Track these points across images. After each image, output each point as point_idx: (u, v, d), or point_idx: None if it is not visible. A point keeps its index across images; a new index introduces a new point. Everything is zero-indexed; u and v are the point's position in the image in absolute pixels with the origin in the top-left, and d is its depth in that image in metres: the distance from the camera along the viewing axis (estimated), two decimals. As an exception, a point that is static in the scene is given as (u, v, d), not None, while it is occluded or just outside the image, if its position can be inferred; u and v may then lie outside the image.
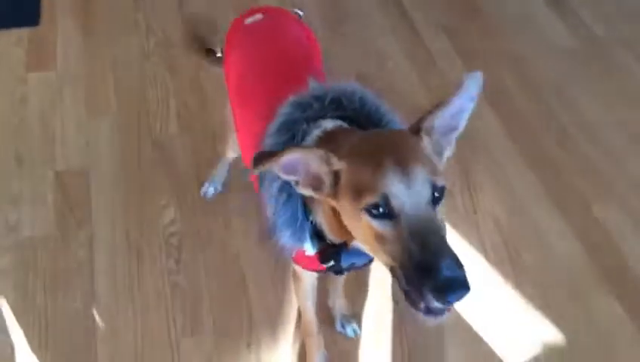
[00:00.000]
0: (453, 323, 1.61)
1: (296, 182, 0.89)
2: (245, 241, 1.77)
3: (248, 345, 1.57)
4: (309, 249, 1.03)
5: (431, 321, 0.81)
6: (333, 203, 0.90)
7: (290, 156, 0.84)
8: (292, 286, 1.43)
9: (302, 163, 0.86)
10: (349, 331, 1.59)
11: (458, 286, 0.76)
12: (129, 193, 1.90)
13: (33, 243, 1.77)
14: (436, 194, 0.83)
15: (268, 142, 1.01)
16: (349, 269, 1.10)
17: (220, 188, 1.90)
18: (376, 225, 0.82)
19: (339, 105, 1.03)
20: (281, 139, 1.00)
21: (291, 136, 1.00)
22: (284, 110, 1.03)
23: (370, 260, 1.05)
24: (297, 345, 1.58)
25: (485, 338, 1.59)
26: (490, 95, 2.19)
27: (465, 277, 0.77)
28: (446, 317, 0.81)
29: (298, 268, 1.23)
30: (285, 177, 0.89)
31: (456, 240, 1.79)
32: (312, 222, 1.01)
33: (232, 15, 1.73)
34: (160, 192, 1.90)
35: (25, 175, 1.95)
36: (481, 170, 1.98)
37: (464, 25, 2.52)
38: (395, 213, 0.81)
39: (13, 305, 1.65)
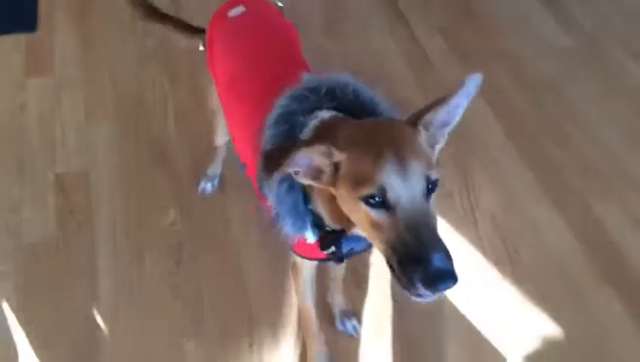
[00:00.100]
0: (453, 321, 1.63)
1: (296, 173, 0.92)
2: (246, 241, 1.78)
3: (250, 346, 1.58)
4: (310, 237, 1.06)
5: (420, 302, 0.86)
6: (332, 190, 0.93)
7: (298, 157, 0.88)
8: (292, 285, 1.43)
9: (306, 158, 0.89)
10: (349, 328, 1.60)
11: (447, 277, 0.81)
12: (129, 196, 1.92)
13: (35, 246, 1.78)
14: (430, 187, 0.87)
15: (267, 134, 1.04)
16: (348, 255, 1.13)
17: (217, 183, 1.91)
18: (373, 213, 0.86)
19: (334, 97, 1.06)
20: (279, 131, 1.02)
21: (289, 128, 1.03)
22: (281, 102, 1.05)
23: (369, 245, 1.08)
24: (299, 345, 1.59)
25: (485, 336, 1.60)
26: (488, 95, 2.20)
27: (453, 268, 0.82)
28: (434, 299, 0.85)
29: (298, 259, 1.25)
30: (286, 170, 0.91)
31: (455, 239, 1.81)
32: (311, 210, 1.04)
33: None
34: (160, 194, 1.92)
35: (25, 179, 1.96)
36: (480, 170, 2.00)
37: (460, 25, 2.54)
38: (391, 205, 0.85)
39: (16, 309, 1.65)
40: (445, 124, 0.95)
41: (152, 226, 1.83)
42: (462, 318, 1.63)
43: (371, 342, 1.60)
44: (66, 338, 1.60)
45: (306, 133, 1.03)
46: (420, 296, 0.84)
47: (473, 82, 0.90)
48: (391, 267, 0.87)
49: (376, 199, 0.85)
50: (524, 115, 2.19)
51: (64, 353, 1.58)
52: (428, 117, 0.92)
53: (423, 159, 0.87)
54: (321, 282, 1.60)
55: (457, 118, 0.95)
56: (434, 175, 0.87)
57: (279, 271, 1.70)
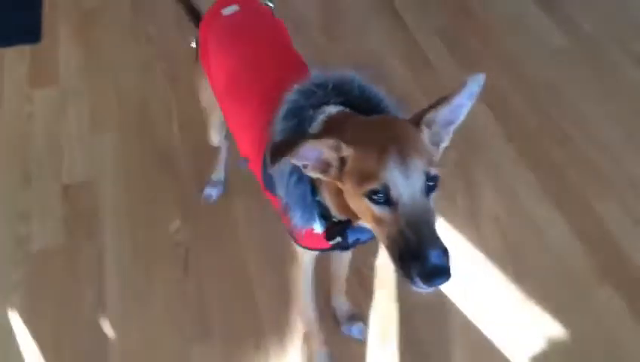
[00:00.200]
0: (458, 323, 1.64)
1: (305, 166, 0.95)
2: (251, 246, 1.81)
3: (257, 350, 1.60)
4: (317, 227, 1.10)
5: (420, 292, 0.89)
6: (339, 184, 0.97)
7: (306, 147, 0.91)
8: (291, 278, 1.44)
9: (314, 151, 0.93)
10: (355, 332, 1.61)
11: (442, 273, 0.85)
12: (135, 203, 1.94)
13: (43, 255, 1.81)
14: (430, 183, 0.90)
15: (276, 128, 1.06)
16: (354, 245, 1.16)
17: (222, 188, 1.94)
18: (376, 209, 0.90)
19: (340, 92, 1.09)
20: (289, 125, 1.05)
21: (298, 122, 1.06)
22: (290, 97, 1.08)
23: (374, 235, 1.10)
24: (305, 349, 1.61)
25: (489, 337, 1.62)
26: (487, 96, 2.21)
27: (449, 265, 0.86)
28: (432, 290, 0.89)
29: (299, 249, 1.27)
30: (295, 162, 0.94)
31: (457, 240, 1.82)
32: (318, 202, 1.07)
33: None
34: (166, 201, 1.94)
35: (33, 189, 1.99)
36: (481, 171, 2.01)
37: (458, 27, 2.56)
38: (393, 201, 0.89)
39: (26, 317, 1.68)
40: (449, 123, 0.98)
41: (158, 233, 1.86)
42: (466, 320, 1.65)
43: (377, 345, 1.61)
44: (74, 344, 1.63)
45: (314, 127, 1.06)
46: (418, 287, 0.88)
47: (476, 82, 0.93)
48: (393, 258, 0.91)
49: (380, 195, 0.89)
50: (524, 115, 2.20)
51: (72, 359, 1.60)
52: (430, 115, 0.95)
53: (424, 156, 0.90)
54: (325, 285, 1.63)
55: (462, 118, 0.98)
56: (434, 171, 0.90)
57: (285, 275, 1.71)
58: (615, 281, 1.72)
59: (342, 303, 1.63)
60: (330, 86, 1.08)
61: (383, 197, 0.89)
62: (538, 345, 1.61)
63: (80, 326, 1.66)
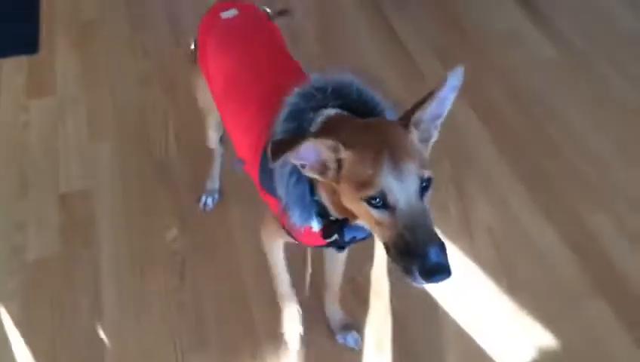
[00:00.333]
0: (452, 332, 1.66)
1: (303, 166, 0.98)
2: (248, 254, 1.82)
3: (253, 358, 1.61)
4: (315, 226, 1.13)
5: (418, 286, 0.95)
6: (336, 186, 1.00)
7: (306, 146, 0.94)
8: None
9: (314, 151, 0.96)
10: (350, 341, 1.62)
11: (442, 270, 0.90)
12: (132, 213, 1.95)
13: (39, 264, 1.81)
14: (424, 185, 0.94)
15: (278, 130, 1.10)
16: (350, 243, 1.19)
17: (217, 196, 1.96)
18: (375, 213, 0.94)
19: (338, 95, 1.12)
20: (289, 127, 1.09)
21: (298, 124, 1.09)
22: (291, 100, 1.11)
23: (370, 234, 1.13)
24: (301, 357, 1.62)
25: (483, 347, 1.63)
26: (480, 109, 2.26)
27: (448, 263, 0.91)
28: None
29: (274, 225, 1.28)
30: (294, 161, 0.98)
31: (451, 251, 1.84)
32: (316, 201, 1.10)
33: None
34: (162, 211, 1.95)
35: (29, 198, 2.00)
36: (474, 183, 2.04)
37: (451, 42, 2.60)
38: (390, 205, 0.92)
39: (21, 326, 1.68)
40: (437, 117, 1.03)
41: (154, 242, 1.87)
42: (460, 329, 1.67)
43: (372, 354, 1.63)
44: (70, 354, 1.63)
45: (313, 129, 1.09)
46: (418, 283, 0.92)
47: (456, 76, 0.98)
48: (393, 256, 0.95)
49: (377, 200, 0.93)
50: (516, 127, 2.23)
51: (69, 369, 1.60)
52: (417, 115, 0.99)
53: (417, 159, 0.95)
54: (318, 293, 1.65)
55: (446, 110, 1.02)
56: (427, 173, 0.94)
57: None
58: (605, 292, 1.74)
59: (335, 312, 1.64)
60: (330, 89, 1.12)
61: (381, 202, 0.93)
62: (529, 355, 1.63)
63: (76, 335, 1.66)
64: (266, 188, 1.18)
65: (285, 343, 1.63)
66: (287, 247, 1.47)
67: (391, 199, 0.92)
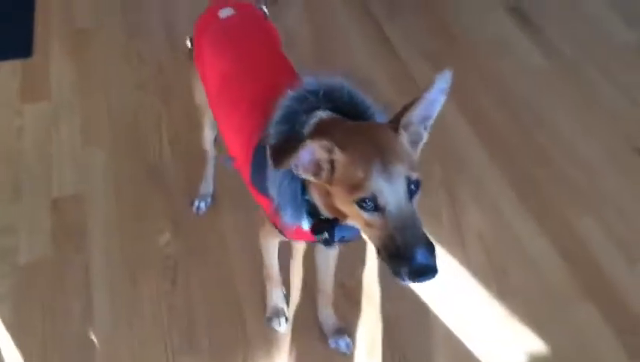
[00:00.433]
0: (443, 337, 1.67)
1: (296, 166, 1.00)
2: (240, 259, 1.82)
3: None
4: (305, 225, 1.15)
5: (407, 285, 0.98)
6: (328, 188, 1.02)
7: (305, 150, 0.96)
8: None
9: (308, 152, 0.98)
10: (342, 345, 1.63)
11: (429, 271, 0.94)
12: (125, 217, 1.96)
13: (31, 268, 1.81)
14: (412, 187, 0.97)
15: (271, 131, 1.11)
16: (340, 242, 1.21)
17: (210, 201, 1.96)
18: (366, 215, 0.97)
19: (330, 98, 1.14)
20: (283, 129, 1.11)
21: (291, 126, 1.11)
22: (284, 103, 1.13)
23: (359, 234, 1.15)
24: (292, 361, 1.63)
25: (473, 351, 1.64)
26: (470, 115, 2.28)
27: (435, 263, 0.95)
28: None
29: (270, 227, 1.31)
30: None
31: (441, 257, 1.85)
32: (307, 200, 1.12)
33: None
34: (155, 216, 1.96)
35: (22, 202, 2.00)
36: (465, 189, 2.06)
37: (442, 49, 2.62)
38: (381, 207, 0.95)
39: (12, 330, 1.68)
40: (426, 119, 1.05)
41: (147, 247, 1.87)
42: (451, 334, 1.68)
43: (364, 358, 1.63)
44: (62, 357, 1.63)
45: (306, 131, 1.11)
46: (406, 282, 0.96)
47: (444, 79, 1.01)
48: (384, 257, 0.97)
49: (368, 203, 0.95)
50: (505, 133, 2.25)
51: (60, 373, 1.60)
52: (407, 118, 1.01)
53: (405, 161, 0.97)
54: (311, 295, 1.65)
55: (436, 112, 1.05)
56: (415, 175, 0.97)
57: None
58: (594, 297, 1.75)
59: (328, 316, 1.65)
60: (322, 92, 1.14)
61: (372, 205, 0.95)
62: (519, 360, 1.64)
63: (67, 339, 1.66)
64: (258, 188, 1.20)
65: (271, 326, 1.66)
66: (280, 250, 1.48)
67: (381, 201, 0.95)
